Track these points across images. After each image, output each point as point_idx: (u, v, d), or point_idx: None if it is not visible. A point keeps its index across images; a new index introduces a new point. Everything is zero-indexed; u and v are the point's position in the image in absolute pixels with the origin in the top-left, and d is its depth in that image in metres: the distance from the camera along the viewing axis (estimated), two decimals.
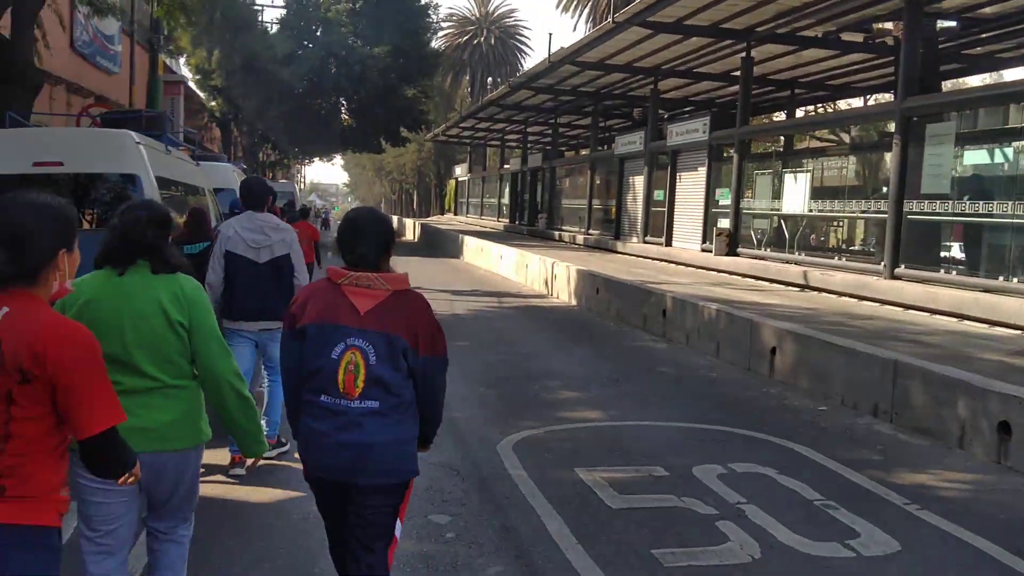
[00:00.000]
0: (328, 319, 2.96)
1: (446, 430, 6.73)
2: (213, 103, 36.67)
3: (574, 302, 15.92)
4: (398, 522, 3.12)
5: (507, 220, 45.65)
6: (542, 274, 18.23)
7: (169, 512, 3.22)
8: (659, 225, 25.66)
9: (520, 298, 16.89)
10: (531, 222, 40.69)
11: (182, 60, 36.25)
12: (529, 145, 44.30)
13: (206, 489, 4.60)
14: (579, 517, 4.97)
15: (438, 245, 34.11)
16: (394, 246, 3.19)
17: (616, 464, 6.07)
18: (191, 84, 36.34)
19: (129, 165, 8.36)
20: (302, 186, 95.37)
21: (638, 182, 27.45)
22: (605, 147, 34.03)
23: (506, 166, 47.77)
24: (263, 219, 5.71)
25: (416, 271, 23.90)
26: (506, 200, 47.68)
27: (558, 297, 16.93)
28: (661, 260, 23.23)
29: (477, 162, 56.85)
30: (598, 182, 32.01)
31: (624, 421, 7.32)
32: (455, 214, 60.80)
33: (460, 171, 61.35)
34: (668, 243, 24.61)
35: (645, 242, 26.08)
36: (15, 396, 2.13)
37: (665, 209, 24.94)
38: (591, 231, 31.59)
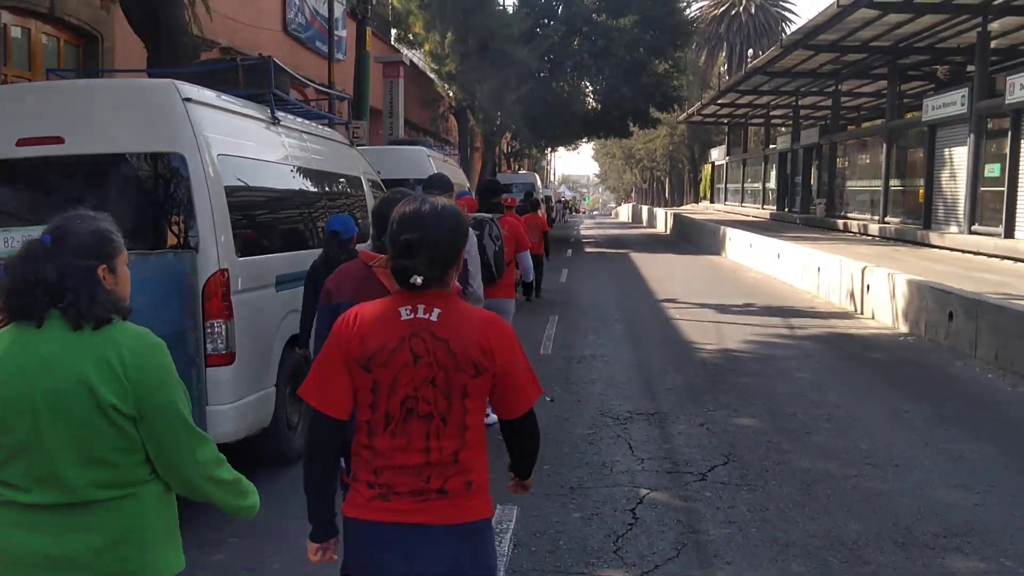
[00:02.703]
0: (362, 298, 2.82)
1: None
2: (450, 93, 34.28)
3: (903, 327, 10.86)
4: None
5: (773, 207, 39.83)
6: (845, 282, 13.21)
7: None
8: (993, 210, 19.44)
9: (816, 319, 12.05)
10: (805, 209, 34.74)
11: (418, 53, 34.34)
12: (801, 119, 38.16)
13: None
14: None
15: (694, 239, 29.38)
16: None
17: None
18: (430, 73, 34.25)
19: (168, 139, 4.83)
20: (552, 178, 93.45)
21: (958, 155, 21.25)
22: (901, 115, 27.67)
23: (772, 146, 41.84)
24: None
25: (667, 273, 19.62)
26: (772, 184, 41.80)
27: (874, 317, 11.90)
28: (1003, 258, 17.17)
29: (735, 144, 51.04)
30: (897, 158, 25.81)
31: None
32: (711, 202, 55.37)
33: (716, 154, 55.75)
34: (1009, 234, 18.41)
35: (972, 232, 19.92)
36: (469, 390, 2.18)
37: (1004, 188, 18.72)
38: (888, 219, 25.49)
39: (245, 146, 5.53)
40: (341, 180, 7.45)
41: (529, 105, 32.88)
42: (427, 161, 11.63)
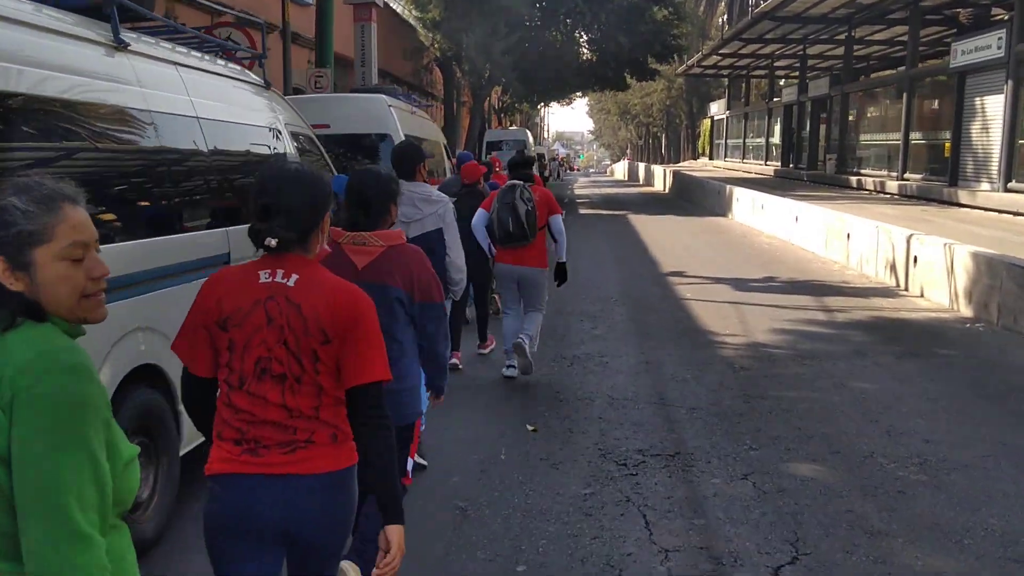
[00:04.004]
0: None
1: None
2: (434, 43, 31.94)
3: (965, 310, 8.97)
4: (410, 459, 3.33)
5: (778, 164, 37.73)
6: (883, 252, 11.29)
7: None
8: None
9: (854, 297, 10.15)
10: (812, 165, 32.68)
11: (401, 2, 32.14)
12: (808, 70, 35.88)
13: None
14: None
15: (696, 199, 27.36)
16: (395, 203, 3.27)
17: None
18: (412, 21, 32.00)
19: None
20: (545, 134, 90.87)
21: (992, 104, 19.21)
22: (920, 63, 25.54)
23: (776, 99, 39.60)
24: (414, 189, 4.75)
25: (671, 238, 17.53)
26: (776, 139, 39.68)
27: (923, 296, 9.99)
28: None
29: (736, 97, 48.73)
30: (919, 109, 23.73)
31: None
32: (710, 158, 53.17)
33: (716, 108, 53.44)
34: None
35: (1008, 190, 17.96)
36: (319, 355, 2.20)
37: None
38: (908, 175, 23.49)
39: (51, 81, 3.54)
40: (245, 133, 5.44)
41: (520, 56, 30.70)
42: (387, 113, 9.58)
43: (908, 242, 10.50)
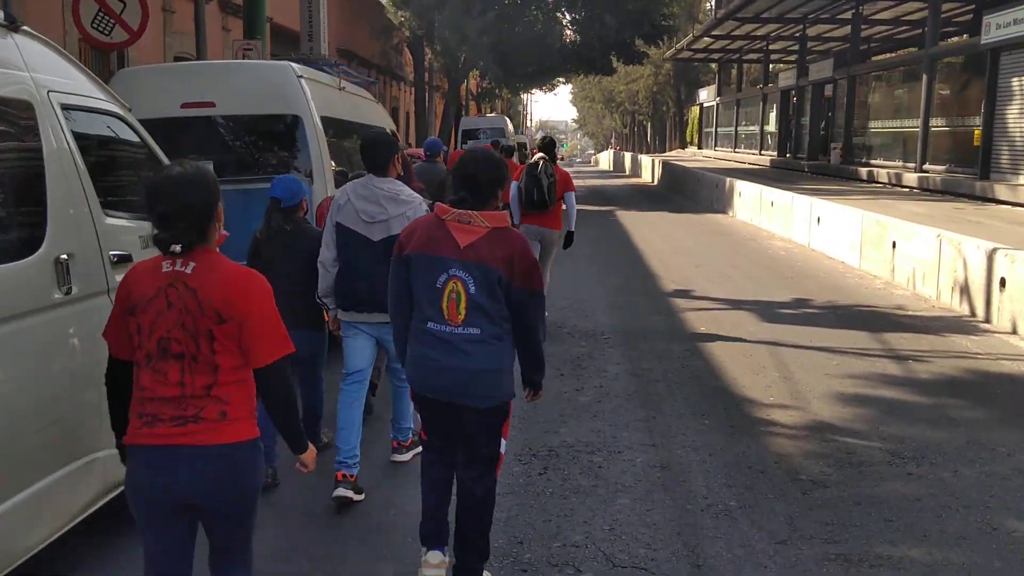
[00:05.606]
0: (432, 250, 3.17)
1: None
2: (403, 22, 29.22)
3: None
4: (503, 440, 3.36)
5: (774, 153, 35.25)
6: (948, 268, 8.83)
7: None
8: None
9: (922, 333, 7.69)
10: (814, 155, 30.20)
11: None
12: (808, 52, 33.36)
13: None
14: None
15: (690, 192, 24.86)
16: (502, 188, 3.28)
17: None
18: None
19: None
20: (528, 123, 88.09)
21: None
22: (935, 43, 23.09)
23: (771, 84, 37.10)
24: (382, 186, 4.41)
25: (669, 242, 14.60)
26: (772, 127, 37.14)
27: (1017, 331, 7.53)
28: None
29: (726, 83, 46.20)
30: (942, 92, 21.28)
31: None
32: (699, 147, 50.72)
33: (705, 95, 50.98)
34: None
35: None
36: (215, 334, 2.45)
37: None
38: (929, 167, 21.04)
39: None
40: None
41: (498, 37, 28.03)
42: (296, 86, 6.94)
43: (990, 258, 8.02)
